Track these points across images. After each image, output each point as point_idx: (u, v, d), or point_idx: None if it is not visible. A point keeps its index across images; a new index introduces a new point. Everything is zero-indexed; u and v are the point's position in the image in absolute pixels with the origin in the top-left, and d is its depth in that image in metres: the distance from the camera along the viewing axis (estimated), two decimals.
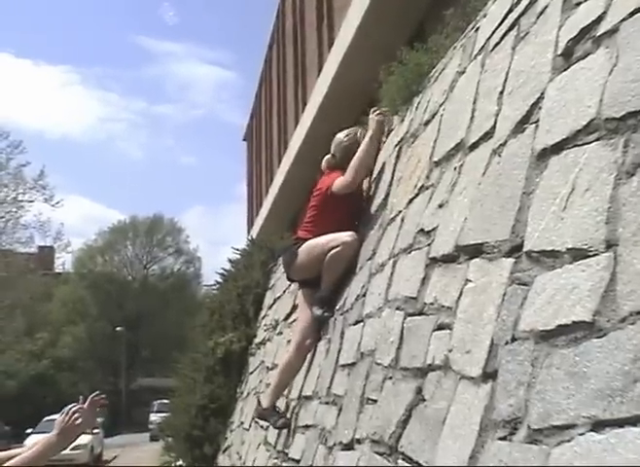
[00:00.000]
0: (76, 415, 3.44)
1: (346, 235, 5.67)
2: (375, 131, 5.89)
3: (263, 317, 10.96)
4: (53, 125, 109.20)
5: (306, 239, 6.05)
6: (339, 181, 5.95)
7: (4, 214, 36.64)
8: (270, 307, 10.36)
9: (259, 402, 6.42)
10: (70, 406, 3.53)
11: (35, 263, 46.98)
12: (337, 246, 5.67)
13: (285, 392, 6.47)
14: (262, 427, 7.62)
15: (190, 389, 12.31)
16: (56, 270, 53.67)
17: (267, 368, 8.61)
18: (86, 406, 3.55)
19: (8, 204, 36.61)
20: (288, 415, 6.05)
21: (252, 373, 10.22)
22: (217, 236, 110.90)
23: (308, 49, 22.49)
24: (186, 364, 13.52)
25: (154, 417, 38.66)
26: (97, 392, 3.69)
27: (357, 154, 5.91)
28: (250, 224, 37.62)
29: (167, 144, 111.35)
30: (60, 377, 50.00)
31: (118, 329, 50.03)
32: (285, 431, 6.05)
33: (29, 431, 28.42)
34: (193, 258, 61.30)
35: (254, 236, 17.86)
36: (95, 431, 29.54)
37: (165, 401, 28.57)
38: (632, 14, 2.39)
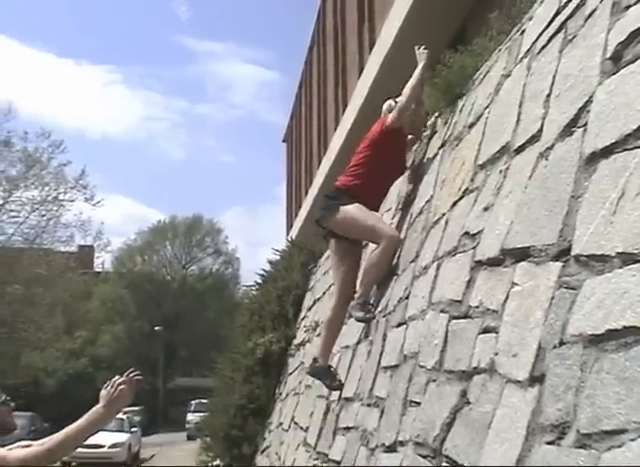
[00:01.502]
0: (121, 387, 3.50)
1: (389, 231, 5.73)
2: (425, 63, 6.03)
3: (302, 319, 11.00)
4: (95, 125, 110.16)
5: (348, 187, 6.04)
6: (392, 113, 6.07)
7: (45, 213, 36.96)
8: (310, 309, 10.40)
9: (314, 359, 6.32)
10: (115, 378, 3.57)
11: (75, 262, 47.43)
12: (379, 240, 5.69)
13: (326, 394, 6.49)
14: (301, 428, 7.65)
15: (229, 389, 12.38)
16: (96, 270, 54.12)
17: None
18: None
19: (49, 203, 36.92)
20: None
21: (291, 373, 10.26)
22: (255, 237, 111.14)
23: (349, 50, 22.49)
24: (225, 364, 13.61)
25: (191, 417, 38.89)
26: (132, 369, 3.72)
27: (409, 83, 6.05)
28: (289, 225, 37.70)
29: (208, 144, 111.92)
30: (98, 375, 50.26)
31: (156, 328, 50.36)
32: (326, 433, 6.07)
33: None
34: (231, 258, 61.58)
35: (293, 238, 17.89)
36: (134, 429, 29.80)
37: (203, 401, 28.77)
38: None
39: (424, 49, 6.13)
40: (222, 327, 46.26)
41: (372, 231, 5.77)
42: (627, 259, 2.20)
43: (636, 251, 2.17)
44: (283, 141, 42.97)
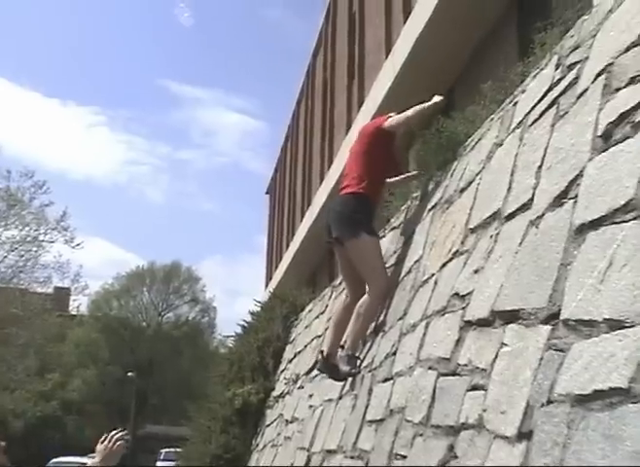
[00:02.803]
0: (119, 442, 3.62)
1: (385, 282, 5.85)
2: (436, 104, 6.06)
3: (282, 371, 11.07)
4: (78, 166, 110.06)
5: (355, 192, 6.12)
6: (392, 118, 6.26)
7: (24, 253, 36.83)
8: (291, 361, 10.48)
9: (322, 353, 6.35)
10: (112, 433, 3.69)
11: (51, 303, 47.14)
12: (371, 285, 5.87)
13: (307, 445, 6.57)
14: None
15: (205, 438, 12.35)
16: (71, 312, 53.81)
17: (287, 421, 8.70)
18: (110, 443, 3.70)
19: (28, 244, 36.85)
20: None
21: (269, 425, 10.30)
22: (233, 286, 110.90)
23: (337, 107, 22.88)
24: (201, 413, 13.57)
25: (160, 464, 38.42)
26: (120, 429, 3.83)
27: (415, 107, 6.17)
28: (269, 277, 37.77)
29: (189, 190, 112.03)
30: (67, 419, 49.84)
31: (129, 374, 49.97)
32: None
33: None
34: (208, 307, 61.38)
35: (272, 290, 17.99)
36: None
37: (172, 449, 28.46)
38: None
39: (441, 97, 6.21)
40: (195, 375, 46.01)
41: (372, 273, 5.90)
42: (614, 325, 2.36)
43: (622, 318, 2.33)
44: (266, 193, 43.25)
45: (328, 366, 6.25)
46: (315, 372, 7.87)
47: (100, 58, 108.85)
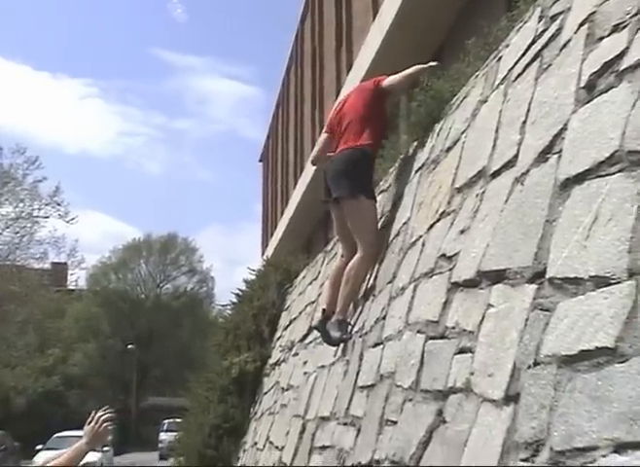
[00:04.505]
0: (106, 424, 3.58)
1: (376, 245, 5.77)
2: (428, 68, 6.07)
3: (278, 338, 11.04)
4: (72, 139, 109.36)
5: (356, 147, 6.03)
6: (391, 77, 6.23)
7: (19, 230, 36.78)
8: (286, 328, 10.44)
9: (323, 311, 6.23)
10: (99, 414, 3.65)
11: (48, 279, 47.11)
12: (362, 245, 5.81)
13: (302, 413, 6.53)
14: (276, 448, 7.68)
15: (203, 408, 12.35)
16: (69, 287, 53.85)
17: (283, 388, 8.67)
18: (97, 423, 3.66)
19: (23, 220, 36.78)
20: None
21: (266, 393, 10.28)
22: (232, 255, 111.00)
23: (327, 72, 22.68)
24: (199, 383, 13.57)
25: (163, 436, 38.57)
26: (106, 407, 3.79)
27: (408, 70, 6.18)
28: (264, 244, 37.75)
29: (186, 160, 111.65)
30: (70, 394, 49.99)
31: (129, 347, 50.10)
32: (302, 452, 6.09)
33: (39, 447, 28.35)
34: (206, 277, 61.39)
35: (268, 257, 17.93)
36: (105, 449, 29.58)
37: (175, 420, 28.56)
38: None
39: (436, 63, 6.23)
40: (195, 346, 46.14)
41: (365, 236, 5.83)
42: (600, 282, 2.28)
43: (608, 274, 2.25)
44: (260, 161, 43.08)
45: (324, 324, 6.11)
46: (309, 338, 7.83)
47: (90, 29, 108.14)
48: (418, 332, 3.96)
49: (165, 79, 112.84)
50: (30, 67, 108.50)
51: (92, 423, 3.62)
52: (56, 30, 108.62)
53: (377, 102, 6.20)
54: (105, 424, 3.62)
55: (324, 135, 6.76)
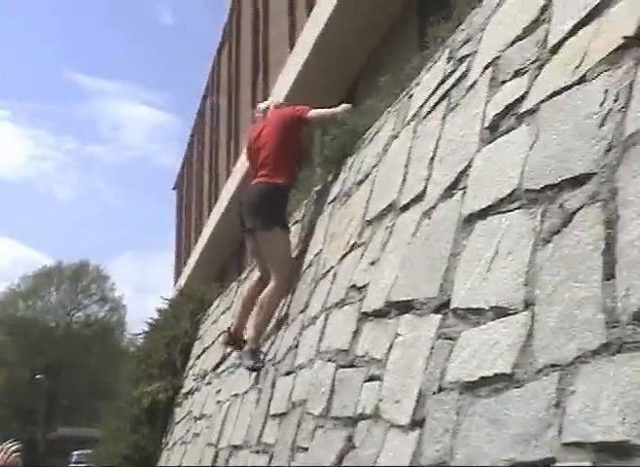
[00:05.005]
0: (14, 454, 3.55)
1: (289, 275, 5.88)
2: (342, 112, 6.16)
3: (190, 367, 10.98)
4: None
5: (272, 183, 6.08)
6: (316, 111, 6.31)
7: None
8: (199, 357, 10.40)
9: (228, 329, 6.53)
10: (8, 445, 3.62)
11: None
12: (276, 276, 5.89)
13: (214, 441, 6.54)
14: None
15: (114, 438, 12.15)
16: None
17: (195, 417, 8.64)
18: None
19: None
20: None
21: (178, 423, 10.20)
22: (144, 284, 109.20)
23: (243, 101, 22.79)
24: (111, 413, 13.37)
25: None
26: (11, 440, 3.77)
27: (332, 109, 6.30)
28: (177, 273, 37.42)
29: (98, 186, 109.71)
30: None
31: (37, 377, 48.87)
32: None
33: None
34: (117, 306, 60.43)
35: (181, 286, 17.83)
36: None
37: (85, 451, 27.96)
38: (550, 96, 2.65)
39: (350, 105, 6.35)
40: (106, 375, 45.26)
41: (279, 266, 5.93)
42: (499, 312, 2.42)
43: (506, 305, 2.39)
44: (173, 188, 42.80)
45: (235, 340, 6.36)
46: (222, 367, 7.85)
47: (1, 49, 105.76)
48: (329, 360, 4.06)
49: (79, 102, 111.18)
50: None
51: (1, 454, 3.59)
52: None
53: (294, 133, 6.27)
54: (14, 455, 3.59)
55: (245, 166, 6.89)
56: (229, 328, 6.56)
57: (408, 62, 5.60)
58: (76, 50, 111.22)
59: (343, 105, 6.31)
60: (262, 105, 6.97)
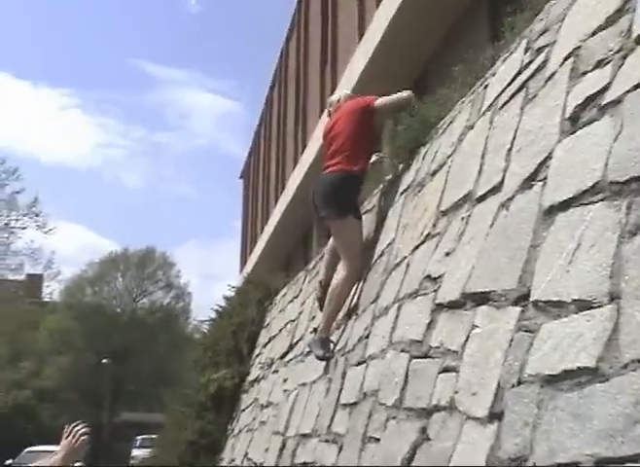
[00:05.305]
0: (83, 438, 3.60)
1: (360, 263, 5.89)
2: (409, 98, 6.22)
3: (257, 355, 11.07)
4: (51, 150, 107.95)
5: (347, 170, 6.10)
6: (384, 98, 6.33)
7: None
8: (265, 346, 10.49)
9: (320, 283, 6.59)
10: (74, 426, 3.67)
11: (23, 290, 46.79)
12: (347, 263, 5.91)
13: (282, 429, 6.60)
14: (255, 464, 7.73)
15: (180, 424, 12.34)
16: (44, 299, 53.53)
17: (262, 405, 8.72)
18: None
19: (0, 231, 36.69)
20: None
21: (244, 410, 10.30)
22: (209, 271, 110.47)
23: (311, 91, 22.84)
24: (176, 399, 13.56)
25: (136, 452, 38.25)
26: (79, 422, 3.81)
27: (396, 95, 6.35)
28: (243, 261, 37.73)
29: (165, 174, 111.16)
30: (42, 407, 49.47)
31: (103, 361, 49.69)
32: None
33: (9, 462, 28.06)
34: (183, 293, 61.09)
35: (246, 274, 17.98)
36: (77, 464, 29.33)
37: (148, 436, 28.39)
38: (636, 87, 2.60)
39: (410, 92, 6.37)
40: (171, 362, 45.92)
41: (350, 254, 5.94)
42: (582, 305, 2.39)
43: (590, 298, 2.36)
44: (240, 177, 43.12)
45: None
46: (290, 355, 7.90)
47: (72, 38, 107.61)
48: (402, 351, 4.05)
49: (147, 91, 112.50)
50: (12, 75, 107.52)
51: (70, 437, 3.63)
52: (39, 39, 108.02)
53: (366, 122, 6.29)
54: (82, 438, 3.64)
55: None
56: (320, 282, 6.60)
57: (479, 52, 5.55)
58: (144, 38, 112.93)
59: (406, 91, 6.33)
60: (333, 97, 7.00)
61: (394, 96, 6.30)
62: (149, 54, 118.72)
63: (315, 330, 6.35)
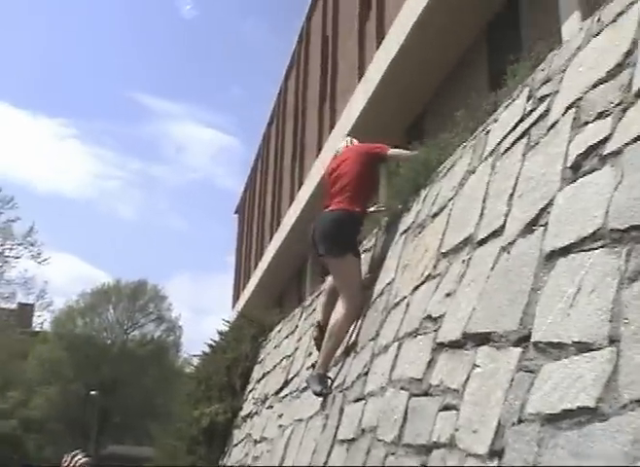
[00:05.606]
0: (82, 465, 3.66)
1: (360, 300, 5.98)
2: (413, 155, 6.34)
3: (250, 391, 11.10)
4: (47, 179, 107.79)
5: (349, 210, 6.21)
6: (395, 150, 6.53)
7: None
8: (259, 381, 10.52)
9: (318, 324, 6.62)
10: (77, 457, 3.73)
11: (14, 319, 46.60)
12: (347, 300, 5.99)
13: (276, 464, 6.63)
14: None
15: (171, 458, 12.34)
16: (35, 329, 53.31)
17: (255, 441, 8.74)
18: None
19: None
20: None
21: (236, 445, 10.32)
22: (200, 305, 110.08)
23: (309, 129, 23.04)
24: (167, 433, 13.55)
25: None
26: (78, 451, 3.85)
27: (409, 151, 6.51)
28: (236, 296, 37.72)
29: (160, 207, 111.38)
30: (28, 438, 49.10)
31: (92, 393, 49.41)
32: None
33: None
34: (174, 326, 60.88)
35: (240, 310, 18.02)
36: None
37: None
38: (636, 139, 2.73)
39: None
40: (160, 395, 45.65)
41: (350, 292, 6.03)
42: (582, 347, 2.49)
43: (590, 341, 2.46)
44: (235, 212, 43.25)
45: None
46: (285, 391, 7.95)
47: (72, 68, 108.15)
48: (402, 389, 4.13)
49: (144, 123, 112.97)
50: (10, 104, 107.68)
51: (70, 465, 3.69)
52: (38, 69, 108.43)
53: (373, 167, 6.48)
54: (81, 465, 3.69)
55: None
56: (318, 322, 6.66)
57: (477, 96, 5.70)
58: (142, 70, 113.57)
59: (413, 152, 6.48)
60: (341, 144, 7.10)
61: (407, 152, 6.48)
62: (147, 87, 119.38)
63: (313, 366, 6.42)
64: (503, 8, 11.33)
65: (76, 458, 3.76)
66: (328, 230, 6.23)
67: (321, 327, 6.52)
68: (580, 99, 3.37)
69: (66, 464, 3.73)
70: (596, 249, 2.70)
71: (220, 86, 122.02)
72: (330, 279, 6.69)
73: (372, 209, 6.62)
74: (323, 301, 6.76)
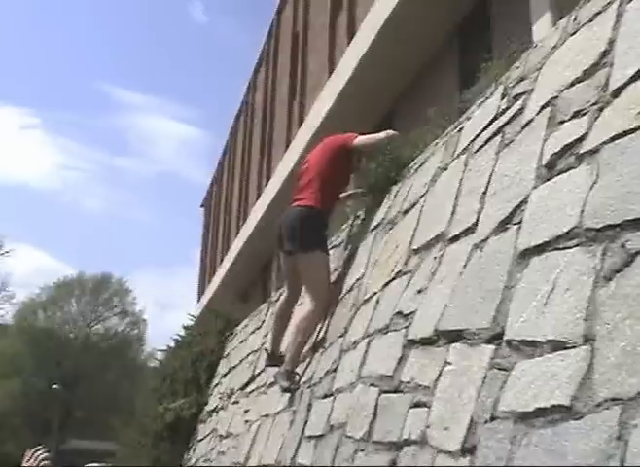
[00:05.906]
0: (44, 463, 3.62)
1: (327, 298, 5.95)
2: (389, 137, 6.25)
3: (216, 385, 11.05)
4: (9, 170, 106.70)
5: (313, 207, 6.15)
6: (362, 137, 6.39)
7: None
8: (225, 376, 10.48)
9: (266, 351, 6.74)
10: (34, 450, 3.68)
11: None
12: (314, 298, 5.94)
13: (242, 460, 6.60)
14: None
15: (134, 453, 12.25)
16: None
17: (221, 436, 8.70)
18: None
19: None
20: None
21: (201, 440, 10.27)
22: (165, 299, 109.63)
23: (277, 124, 22.99)
24: (131, 427, 13.45)
25: None
26: (40, 446, 3.82)
27: (376, 135, 6.44)
28: (201, 290, 37.55)
29: (125, 199, 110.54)
30: None
31: (54, 387, 49.00)
32: None
33: None
34: (138, 320, 60.64)
35: (204, 304, 17.95)
36: None
37: (98, 464, 27.94)
38: (612, 139, 2.73)
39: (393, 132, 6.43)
40: (122, 388, 45.38)
41: (317, 288, 5.99)
42: (557, 346, 2.49)
43: (565, 339, 2.46)
44: (201, 206, 43.05)
45: (274, 358, 6.49)
46: (251, 386, 7.92)
47: (39, 59, 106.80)
48: (372, 385, 4.12)
49: (111, 115, 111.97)
50: None
51: (31, 461, 3.65)
52: (3, 57, 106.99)
53: (341, 160, 6.35)
54: (44, 463, 3.65)
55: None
56: (266, 350, 6.67)
57: (448, 94, 5.71)
58: (111, 62, 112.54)
59: (388, 131, 6.40)
60: None
61: (375, 136, 6.39)
62: (116, 79, 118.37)
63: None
64: (474, 6, 11.37)
65: (37, 454, 3.71)
66: (294, 226, 6.18)
67: (269, 354, 6.62)
68: (555, 98, 3.38)
69: (28, 459, 3.68)
70: (571, 248, 2.70)
71: (188, 78, 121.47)
72: (282, 299, 6.73)
73: (349, 192, 6.57)
74: (273, 326, 6.75)
